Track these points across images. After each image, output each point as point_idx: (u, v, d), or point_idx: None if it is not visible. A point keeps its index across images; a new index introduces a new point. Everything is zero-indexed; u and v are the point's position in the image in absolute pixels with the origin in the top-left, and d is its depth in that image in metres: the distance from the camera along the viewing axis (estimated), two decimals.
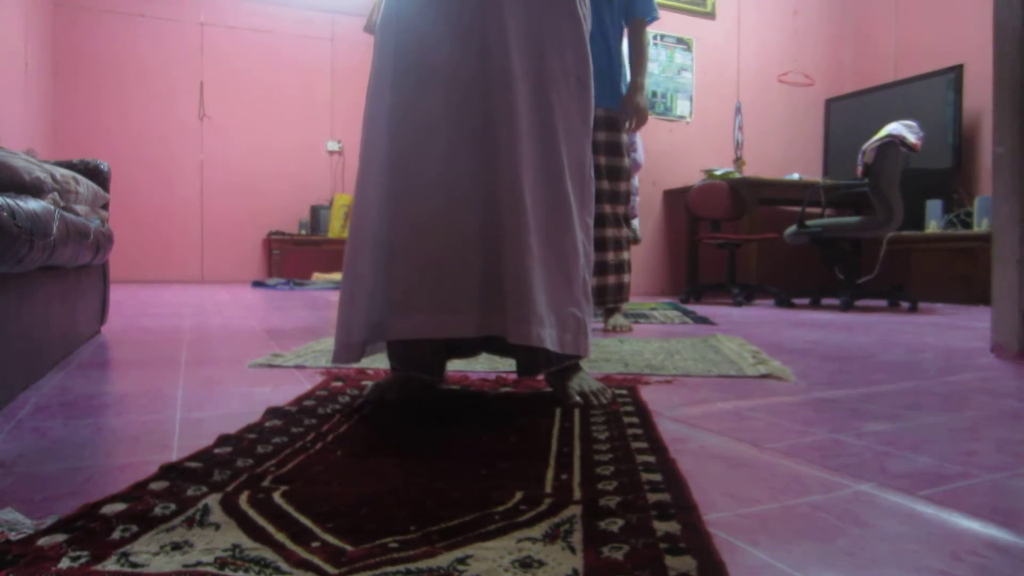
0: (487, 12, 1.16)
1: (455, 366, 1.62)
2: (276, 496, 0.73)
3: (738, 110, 5.04)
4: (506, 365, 1.64)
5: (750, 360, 1.77)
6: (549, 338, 1.14)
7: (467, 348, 1.35)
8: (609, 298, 2.62)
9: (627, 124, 2.59)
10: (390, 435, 1.03)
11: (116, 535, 0.63)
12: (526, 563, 0.58)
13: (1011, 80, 1.95)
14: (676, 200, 5.50)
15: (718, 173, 4.93)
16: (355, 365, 1.65)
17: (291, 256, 6.72)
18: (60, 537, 0.62)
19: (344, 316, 1.18)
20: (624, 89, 2.61)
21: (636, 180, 4.73)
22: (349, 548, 0.61)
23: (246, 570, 0.56)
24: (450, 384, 1.41)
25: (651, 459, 0.88)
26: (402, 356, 1.28)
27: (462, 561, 0.58)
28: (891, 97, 5.38)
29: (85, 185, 1.88)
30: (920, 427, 1.11)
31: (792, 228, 4.20)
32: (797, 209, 4.36)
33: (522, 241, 1.12)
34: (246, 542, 0.62)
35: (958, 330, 2.75)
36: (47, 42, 5.71)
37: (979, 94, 4.74)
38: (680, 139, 5.61)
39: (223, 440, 0.96)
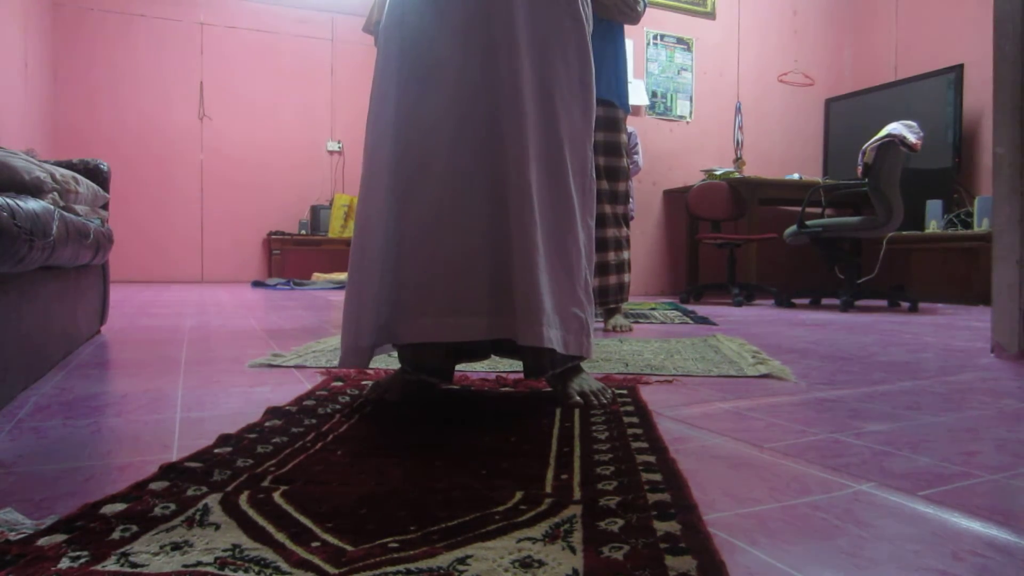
0: (494, 15, 1.16)
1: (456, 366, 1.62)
2: (276, 496, 0.73)
3: (738, 110, 5.04)
4: (506, 365, 1.64)
5: (750, 360, 1.77)
6: (556, 339, 1.14)
7: (478, 351, 1.35)
8: (611, 298, 2.62)
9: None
10: (390, 435, 1.03)
11: (116, 535, 0.63)
12: (526, 563, 0.58)
13: (1011, 80, 1.95)
14: (676, 200, 5.50)
15: (718, 173, 4.93)
16: None
17: (291, 256, 6.72)
18: (60, 537, 0.62)
19: (351, 319, 1.18)
20: (623, 83, 2.60)
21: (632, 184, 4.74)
22: (349, 548, 0.61)
23: (246, 570, 0.56)
24: (450, 384, 1.41)
25: (651, 459, 0.88)
26: (412, 359, 1.28)
27: (462, 561, 0.58)
28: (891, 97, 5.38)
29: (85, 185, 1.88)
30: (920, 427, 1.11)
31: (792, 228, 4.20)
32: (797, 209, 4.36)
33: (530, 241, 1.12)
34: (246, 542, 0.62)
35: (958, 330, 2.75)
36: (47, 42, 5.71)
37: (979, 94, 4.74)
38: (680, 139, 5.60)
39: (223, 440, 0.96)
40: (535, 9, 1.18)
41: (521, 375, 1.50)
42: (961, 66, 4.87)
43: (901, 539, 0.66)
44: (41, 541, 0.61)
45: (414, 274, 1.18)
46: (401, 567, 0.57)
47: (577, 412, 1.16)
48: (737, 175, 4.80)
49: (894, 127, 3.73)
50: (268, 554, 0.59)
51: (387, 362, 1.66)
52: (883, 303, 4.36)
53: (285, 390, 1.37)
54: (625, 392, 1.34)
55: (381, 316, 1.19)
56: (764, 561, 0.61)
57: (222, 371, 1.60)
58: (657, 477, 0.81)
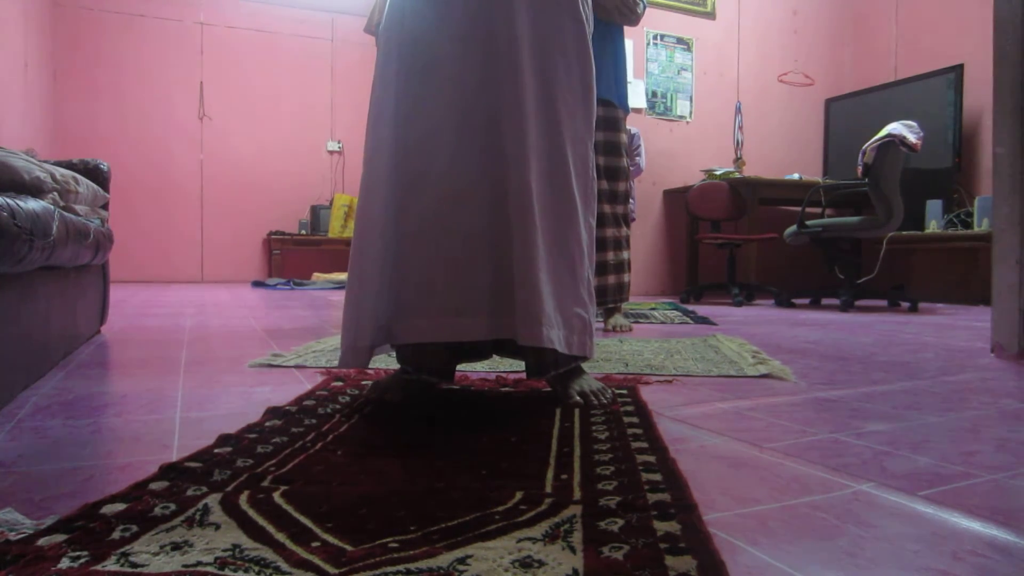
0: (496, 15, 1.16)
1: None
2: (276, 496, 0.73)
3: (738, 110, 5.04)
4: (506, 365, 1.64)
5: (750, 360, 1.77)
6: (557, 339, 1.14)
7: (479, 351, 1.35)
8: (609, 298, 2.62)
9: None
10: (390, 435, 1.03)
11: (116, 535, 0.63)
12: (526, 563, 0.58)
13: (1011, 80, 1.95)
14: (676, 200, 5.50)
15: (718, 173, 4.93)
16: None
17: (291, 256, 6.72)
18: (60, 537, 0.62)
19: (351, 319, 1.18)
20: (623, 83, 2.60)
21: (634, 184, 4.76)
22: (349, 548, 0.60)
23: (246, 570, 0.56)
24: (451, 384, 1.41)
25: (651, 459, 0.88)
26: (413, 359, 1.28)
27: (462, 561, 0.58)
28: (891, 97, 5.38)
29: (85, 185, 1.88)
30: (920, 427, 1.11)
31: (792, 228, 4.20)
32: (797, 209, 4.36)
33: (531, 241, 1.12)
34: (246, 542, 0.62)
35: (958, 330, 2.75)
36: (47, 42, 5.71)
37: (979, 94, 4.74)
38: (680, 139, 5.60)
39: (223, 440, 0.96)
40: (536, 10, 1.18)
41: (521, 375, 1.50)
42: (961, 66, 4.87)
43: (901, 539, 0.66)
44: (41, 541, 0.61)
45: (414, 274, 1.19)
46: (401, 567, 0.57)
47: (577, 412, 1.16)
48: (737, 175, 4.80)
49: (894, 127, 3.73)
50: (268, 554, 0.59)
51: (387, 362, 1.66)
52: (883, 303, 4.36)
53: (285, 390, 1.37)
54: (625, 392, 1.34)
55: (381, 316, 1.19)
56: (764, 561, 0.61)
57: (222, 371, 1.60)
58: (657, 477, 0.81)
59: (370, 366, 1.61)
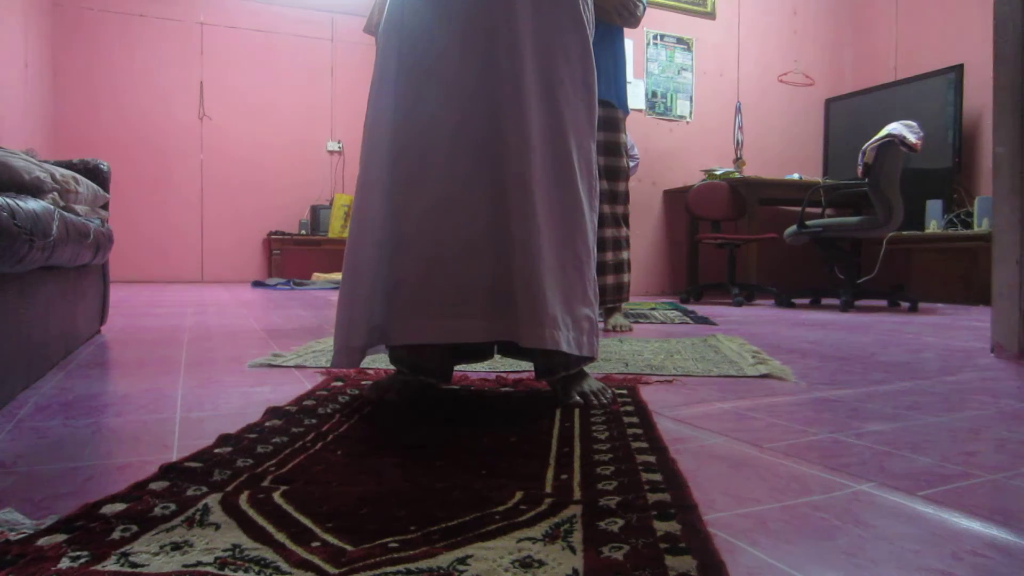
0: (496, 17, 1.16)
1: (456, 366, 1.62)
2: (276, 496, 0.73)
3: (738, 110, 5.04)
4: (507, 365, 1.64)
5: (750, 360, 1.77)
6: (565, 340, 1.14)
7: (478, 352, 1.35)
8: (608, 298, 2.62)
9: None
10: (390, 435, 1.03)
11: (116, 535, 0.63)
12: (526, 563, 0.58)
13: (1011, 80, 1.95)
14: (676, 200, 5.50)
15: (718, 173, 4.93)
16: None
17: (291, 256, 6.72)
18: (60, 537, 0.62)
19: (343, 319, 1.18)
20: (622, 84, 2.61)
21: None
22: (349, 548, 0.60)
23: (246, 570, 0.56)
24: (450, 384, 1.41)
25: (651, 459, 0.88)
26: (408, 360, 1.28)
27: (462, 561, 0.58)
28: (891, 97, 5.38)
29: (85, 185, 1.88)
30: (920, 427, 1.11)
31: (792, 228, 4.20)
32: (797, 209, 4.36)
33: (533, 244, 1.12)
34: (246, 542, 0.62)
35: (958, 330, 2.75)
36: (47, 42, 5.71)
37: (979, 94, 4.74)
38: (680, 139, 5.60)
39: (223, 440, 0.96)
40: (537, 11, 1.18)
41: (521, 375, 1.50)
42: (961, 66, 4.87)
43: (901, 539, 0.66)
44: (41, 541, 0.61)
45: (410, 275, 1.18)
46: (401, 567, 0.57)
47: (577, 412, 1.16)
48: (737, 175, 4.80)
49: (894, 127, 3.73)
50: (268, 554, 0.59)
51: (387, 362, 1.66)
52: (883, 303, 4.36)
53: (285, 390, 1.37)
54: (625, 392, 1.34)
55: (375, 316, 1.19)
56: (764, 561, 0.61)
57: (222, 371, 1.60)
58: (657, 477, 0.81)
59: (371, 366, 1.61)
